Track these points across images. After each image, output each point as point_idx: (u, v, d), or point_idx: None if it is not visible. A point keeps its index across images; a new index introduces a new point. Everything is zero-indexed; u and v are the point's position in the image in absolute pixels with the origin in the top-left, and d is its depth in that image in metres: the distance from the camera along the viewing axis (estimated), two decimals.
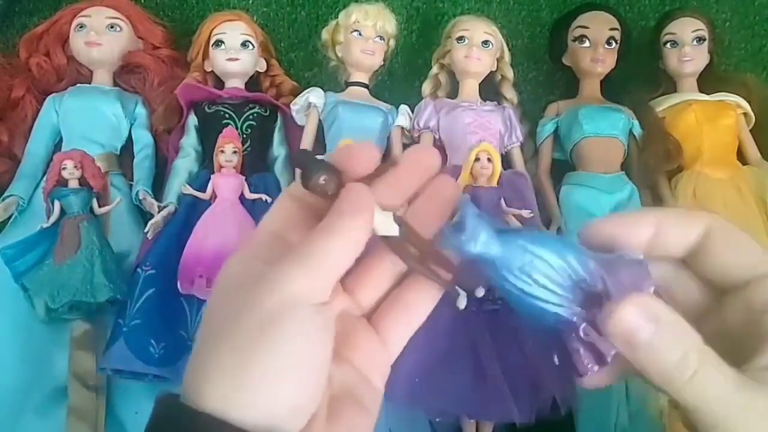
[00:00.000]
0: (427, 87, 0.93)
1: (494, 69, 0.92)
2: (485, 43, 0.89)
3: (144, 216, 0.83)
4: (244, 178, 0.81)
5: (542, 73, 1.02)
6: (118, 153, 0.88)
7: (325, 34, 0.93)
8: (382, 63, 0.91)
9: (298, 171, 0.27)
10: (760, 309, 0.24)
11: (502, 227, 0.25)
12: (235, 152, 0.81)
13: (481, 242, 0.24)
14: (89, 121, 0.86)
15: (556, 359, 0.26)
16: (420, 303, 0.28)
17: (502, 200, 0.79)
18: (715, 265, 0.26)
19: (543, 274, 0.25)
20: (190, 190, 0.80)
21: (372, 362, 0.27)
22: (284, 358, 0.22)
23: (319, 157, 0.26)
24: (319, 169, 0.25)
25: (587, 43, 0.93)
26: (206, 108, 0.87)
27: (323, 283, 0.24)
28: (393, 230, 0.26)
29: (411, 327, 0.28)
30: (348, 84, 0.91)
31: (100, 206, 0.78)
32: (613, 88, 0.96)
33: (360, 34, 0.88)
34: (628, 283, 0.25)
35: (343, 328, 0.26)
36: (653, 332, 0.23)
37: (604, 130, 0.88)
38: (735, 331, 0.25)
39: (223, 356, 0.22)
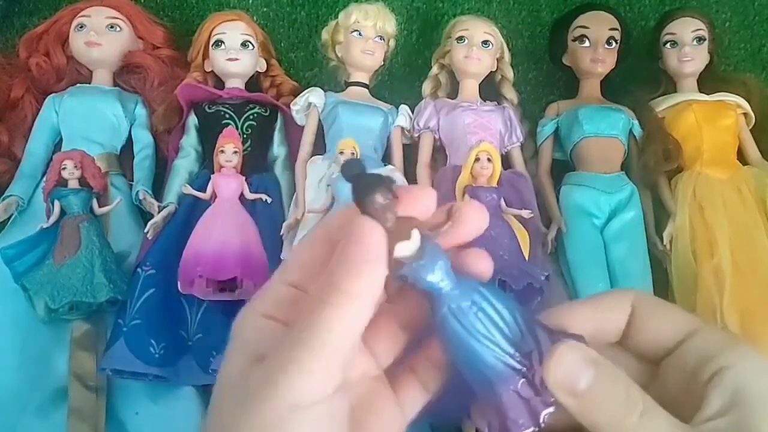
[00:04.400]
0: (427, 87, 0.93)
1: (494, 69, 0.92)
2: (485, 43, 0.89)
3: (144, 216, 0.83)
4: (244, 178, 0.81)
5: (542, 73, 1.02)
6: (118, 153, 0.88)
7: (325, 34, 0.93)
8: (382, 63, 0.91)
9: (348, 186, 0.23)
10: (693, 367, 0.24)
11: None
12: (235, 152, 0.81)
13: (437, 271, 0.23)
14: (89, 121, 0.86)
15: (488, 429, 0.25)
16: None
17: (502, 200, 0.79)
18: (645, 338, 0.26)
19: (489, 319, 0.24)
20: (190, 190, 0.80)
21: (388, 429, 0.26)
22: None
23: (375, 171, 0.24)
24: (376, 186, 0.22)
25: (587, 43, 0.93)
26: (206, 108, 0.87)
27: (327, 376, 0.21)
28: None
29: (428, 392, 0.27)
30: (348, 84, 0.91)
31: (100, 206, 0.78)
32: (613, 88, 0.96)
33: (360, 34, 0.88)
34: None
35: (360, 391, 0.25)
36: (593, 375, 0.23)
37: (604, 130, 0.88)
38: (676, 397, 0.25)
39: None
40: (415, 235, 0.23)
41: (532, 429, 0.24)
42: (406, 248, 0.23)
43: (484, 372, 0.24)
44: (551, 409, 0.24)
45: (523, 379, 0.24)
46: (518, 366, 0.24)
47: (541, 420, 0.24)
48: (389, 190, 0.22)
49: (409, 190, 0.24)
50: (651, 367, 0.27)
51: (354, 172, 0.23)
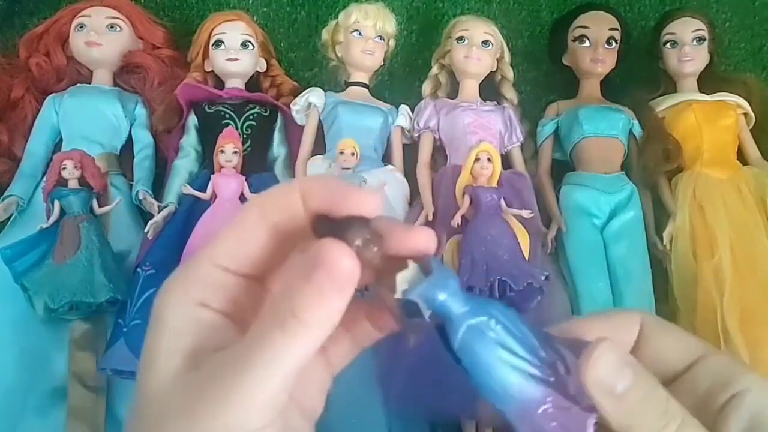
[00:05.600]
0: (427, 87, 0.93)
1: (494, 69, 0.92)
2: (485, 43, 0.89)
3: (144, 216, 0.83)
4: (244, 178, 0.81)
5: (542, 73, 1.02)
6: (118, 153, 0.88)
7: (325, 34, 0.93)
8: (382, 63, 0.91)
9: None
10: (706, 391, 0.24)
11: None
12: (235, 152, 0.81)
13: (450, 291, 0.22)
14: (89, 121, 0.86)
15: None
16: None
17: (502, 200, 0.79)
18: (653, 360, 0.25)
19: (508, 332, 0.22)
20: (190, 190, 0.80)
21: (318, 395, 0.26)
22: None
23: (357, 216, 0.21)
24: (345, 230, 0.20)
25: (587, 43, 0.93)
26: (206, 108, 0.87)
27: (271, 408, 0.20)
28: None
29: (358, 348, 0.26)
30: (348, 84, 0.91)
31: (100, 206, 0.78)
32: (613, 88, 0.96)
33: (360, 34, 0.88)
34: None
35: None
36: (632, 378, 0.22)
37: (604, 130, 0.88)
38: None
39: None
40: (412, 264, 0.22)
41: None
42: (407, 277, 0.22)
43: (512, 395, 0.22)
44: (595, 416, 0.22)
45: (550, 397, 0.22)
46: (547, 378, 0.22)
47: (588, 429, 0.22)
48: (362, 229, 0.20)
49: (405, 229, 0.22)
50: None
51: (319, 225, 0.21)
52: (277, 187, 0.23)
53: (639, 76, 0.99)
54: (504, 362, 0.22)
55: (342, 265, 0.20)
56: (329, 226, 0.21)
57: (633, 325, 0.26)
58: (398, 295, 0.21)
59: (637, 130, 0.91)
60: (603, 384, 0.22)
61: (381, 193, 0.80)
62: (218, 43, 0.88)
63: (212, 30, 0.89)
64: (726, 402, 0.23)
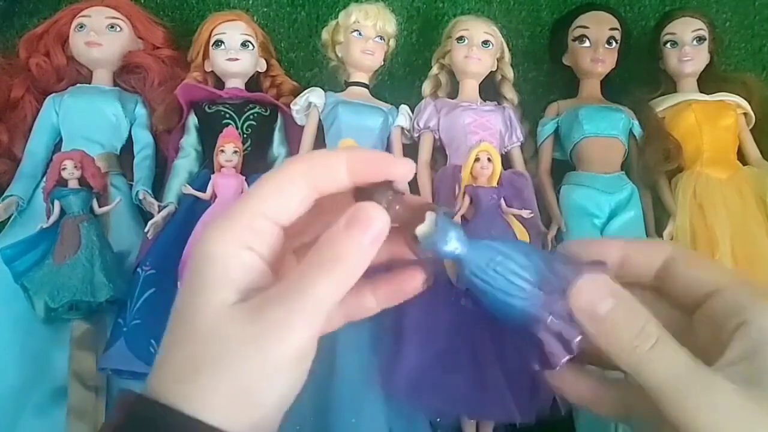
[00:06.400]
0: (427, 87, 0.93)
1: (494, 69, 0.92)
2: (485, 43, 0.89)
3: (144, 216, 0.83)
4: (244, 178, 0.81)
5: (542, 73, 1.02)
6: (118, 153, 0.88)
7: (325, 34, 0.93)
8: (382, 63, 0.91)
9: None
10: (721, 318, 0.26)
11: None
12: (235, 152, 0.81)
13: (450, 241, 0.26)
14: (89, 121, 0.86)
15: (535, 364, 0.28)
16: None
17: (502, 200, 0.79)
18: (680, 285, 0.28)
19: (510, 270, 0.27)
20: (190, 190, 0.80)
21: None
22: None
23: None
24: (372, 193, 0.25)
25: (587, 43, 0.93)
26: (206, 108, 0.87)
27: (313, 338, 0.24)
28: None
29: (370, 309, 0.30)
30: (348, 84, 0.91)
31: (100, 206, 0.78)
32: (613, 88, 0.96)
33: (360, 34, 0.88)
34: None
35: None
36: (613, 304, 0.25)
37: (605, 130, 0.88)
38: (706, 346, 0.26)
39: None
40: (429, 216, 0.26)
41: (567, 357, 0.27)
42: (424, 229, 0.26)
43: (517, 316, 0.27)
44: (580, 337, 0.26)
45: (550, 316, 0.26)
46: (546, 304, 0.26)
47: (573, 347, 0.26)
48: (387, 191, 0.26)
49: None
50: (687, 317, 0.28)
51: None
52: (323, 153, 0.27)
53: (639, 76, 0.99)
54: (503, 297, 0.27)
55: (376, 223, 0.24)
56: (359, 189, 0.26)
57: (659, 251, 0.29)
58: (419, 251, 0.27)
59: (637, 130, 0.91)
60: (585, 310, 0.26)
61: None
62: (218, 43, 0.88)
63: (212, 30, 0.89)
64: (735, 329, 0.25)
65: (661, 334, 0.25)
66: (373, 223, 0.24)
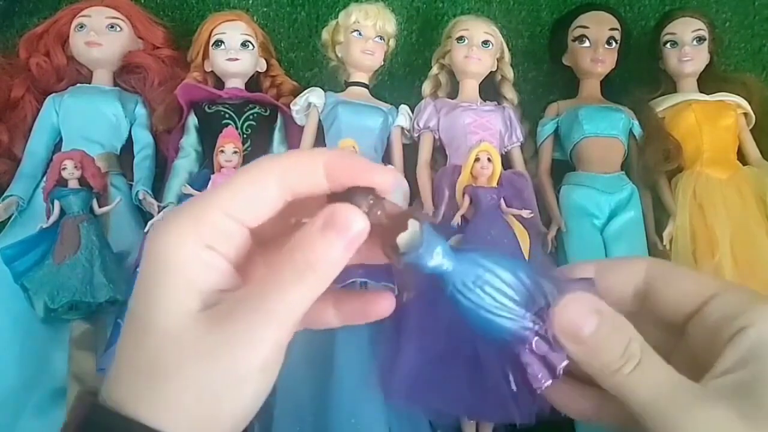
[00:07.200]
0: (427, 87, 0.93)
1: (494, 69, 0.92)
2: (485, 43, 0.89)
3: (144, 216, 0.83)
4: None
5: (542, 73, 1.02)
6: (118, 153, 0.88)
7: (325, 34, 0.93)
8: (382, 63, 0.91)
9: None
10: (714, 327, 0.25)
11: (458, 247, 0.26)
12: (235, 152, 0.81)
13: (436, 256, 0.25)
14: (89, 121, 0.86)
15: (513, 384, 0.27)
16: None
17: (502, 200, 0.79)
18: (666, 301, 0.27)
19: (495, 288, 0.25)
20: (190, 190, 0.80)
21: None
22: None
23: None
24: (351, 197, 0.23)
25: (587, 43, 0.93)
26: (206, 108, 0.87)
27: (281, 347, 0.23)
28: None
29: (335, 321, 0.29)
30: (348, 84, 0.91)
31: (100, 206, 0.78)
32: (613, 88, 0.96)
33: (360, 34, 0.88)
34: None
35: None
36: (596, 324, 0.24)
37: (604, 130, 0.88)
38: (701, 359, 0.25)
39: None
40: (412, 224, 0.25)
41: (550, 381, 0.26)
42: (406, 238, 0.25)
43: (502, 335, 0.26)
44: (566, 362, 0.25)
45: (536, 337, 0.25)
46: (530, 325, 0.25)
47: (558, 372, 0.25)
48: (368, 195, 0.24)
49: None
50: (675, 334, 0.27)
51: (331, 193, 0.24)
52: (298, 153, 0.25)
53: (639, 76, 0.99)
54: (487, 316, 0.25)
55: (354, 227, 0.23)
56: (336, 194, 0.24)
57: (636, 268, 0.28)
58: (399, 261, 0.25)
59: (637, 130, 0.91)
60: (568, 332, 0.25)
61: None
62: (218, 43, 0.88)
63: (212, 30, 0.89)
64: (730, 337, 0.24)
65: (645, 353, 0.24)
66: (352, 227, 0.22)
